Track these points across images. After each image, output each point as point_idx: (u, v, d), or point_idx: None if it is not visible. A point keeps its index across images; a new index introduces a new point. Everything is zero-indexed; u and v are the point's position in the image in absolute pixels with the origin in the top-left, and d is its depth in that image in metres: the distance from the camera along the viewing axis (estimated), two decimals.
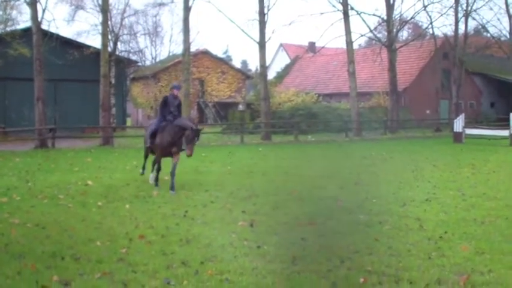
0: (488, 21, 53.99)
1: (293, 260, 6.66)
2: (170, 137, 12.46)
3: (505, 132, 28.34)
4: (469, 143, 27.74)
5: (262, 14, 33.45)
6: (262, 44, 33.72)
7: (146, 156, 13.95)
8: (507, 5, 44.49)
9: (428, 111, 46.75)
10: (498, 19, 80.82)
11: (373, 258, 6.76)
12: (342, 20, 36.20)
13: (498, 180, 14.30)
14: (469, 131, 29.70)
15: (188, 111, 32.00)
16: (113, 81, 37.44)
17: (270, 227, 8.58)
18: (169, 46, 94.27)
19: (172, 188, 12.19)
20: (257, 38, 33.85)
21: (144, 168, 14.01)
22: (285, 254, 6.94)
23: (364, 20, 53.48)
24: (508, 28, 45.39)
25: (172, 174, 12.44)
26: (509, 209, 10.10)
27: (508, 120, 28.83)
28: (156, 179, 13.04)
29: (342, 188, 12.76)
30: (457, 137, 29.33)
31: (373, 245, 7.37)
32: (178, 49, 58.94)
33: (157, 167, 12.97)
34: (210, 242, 7.63)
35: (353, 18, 36.91)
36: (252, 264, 6.54)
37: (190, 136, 12.09)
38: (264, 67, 35.18)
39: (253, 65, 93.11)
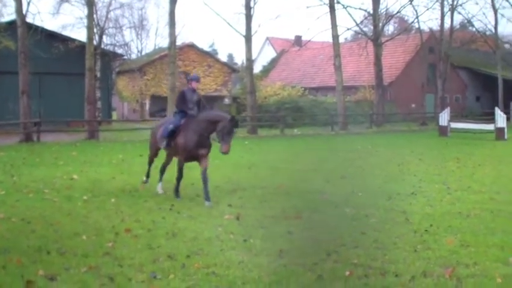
0: (473, 16, 54.55)
1: (279, 254, 6.67)
2: (197, 136, 10.32)
3: (490, 126, 28.54)
4: (454, 137, 27.93)
5: (248, 7, 33.36)
6: (248, 38, 33.64)
7: (151, 162, 12.03)
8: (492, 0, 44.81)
9: (413, 105, 46.93)
10: (483, 13, 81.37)
11: (359, 251, 6.79)
12: (328, 14, 36.21)
13: (483, 173, 14.42)
14: (454, 125, 29.90)
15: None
16: (99, 74, 37.20)
17: (257, 220, 8.59)
18: (155, 39, 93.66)
19: (207, 197, 10.17)
20: (243, 31, 33.77)
21: (148, 176, 12.03)
22: (272, 247, 6.95)
23: (350, 14, 53.39)
24: (493, 22, 45.88)
25: (205, 181, 10.24)
26: (494, 202, 10.19)
27: (493, 114, 29.04)
28: (177, 191, 10.78)
29: (328, 182, 12.77)
30: (443, 131, 29.51)
31: (359, 238, 7.40)
32: (164, 42, 58.68)
33: (179, 175, 10.68)
34: (196, 235, 7.62)
35: (339, 12, 36.95)
36: (239, 257, 6.55)
37: (228, 128, 9.97)
38: (250, 61, 35.12)
39: (239, 59, 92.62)
